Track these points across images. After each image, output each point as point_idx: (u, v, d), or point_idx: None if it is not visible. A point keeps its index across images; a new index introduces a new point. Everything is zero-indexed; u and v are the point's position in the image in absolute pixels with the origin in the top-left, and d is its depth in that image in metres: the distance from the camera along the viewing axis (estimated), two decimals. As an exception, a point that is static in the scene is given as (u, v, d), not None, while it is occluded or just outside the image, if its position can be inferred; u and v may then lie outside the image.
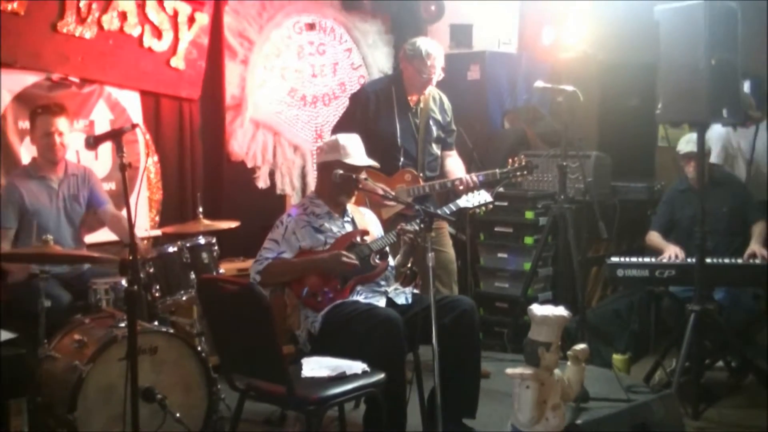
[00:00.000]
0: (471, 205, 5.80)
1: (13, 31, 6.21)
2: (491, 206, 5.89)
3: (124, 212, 6.38)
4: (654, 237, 7.01)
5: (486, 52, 8.69)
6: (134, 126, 4.82)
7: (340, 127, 6.30)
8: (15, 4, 6.17)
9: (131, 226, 4.26)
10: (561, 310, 4.45)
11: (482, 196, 5.83)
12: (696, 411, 5.97)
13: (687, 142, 6.80)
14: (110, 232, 6.43)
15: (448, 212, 5.66)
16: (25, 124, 6.35)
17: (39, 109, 6.07)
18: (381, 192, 5.98)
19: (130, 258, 4.24)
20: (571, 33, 8.75)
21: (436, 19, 8.81)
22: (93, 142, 4.57)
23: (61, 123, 5.99)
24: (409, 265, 5.50)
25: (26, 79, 6.43)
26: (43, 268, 5.18)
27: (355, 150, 5.37)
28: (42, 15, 6.36)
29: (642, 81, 8.38)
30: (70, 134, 6.08)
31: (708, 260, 6.19)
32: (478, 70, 8.60)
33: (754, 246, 6.59)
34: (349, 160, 5.30)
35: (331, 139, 5.54)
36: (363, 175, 5.41)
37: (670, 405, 5.39)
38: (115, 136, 4.44)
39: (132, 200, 4.32)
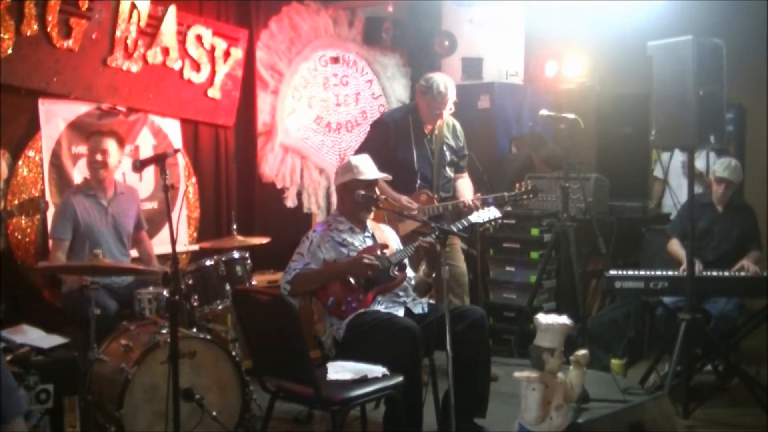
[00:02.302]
0: (482, 221, 5.82)
1: (68, 66, 6.28)
2: (500, 221, 5.91)
3: (164, 234, 6.47)
4: (675, 246, 7.01)
5: (495, 83, 8.71)
6: (176, 151, 4.90)
7: (361, 152, 6.29)
8: (70, 42, 6.23)
9: (173, 241, 4.28)
10: (564, 319, 4.45)
11: (492, 212, 5.85)
12: (686, 410, 5.97)
13: (724, 169, 6.85)
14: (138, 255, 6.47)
15: (460, 227, 5.68)
16: (77, 149, 6.42)
17: (96, 130, 6.16)
18: (405, 203, 6.06)
19: (172, 271, 4.27)
20: (572, 66, 8.79)
21: (449, 53, 8.85)
22: (139, 166, 4.60)
23: (108, 144, 6.02)
24: (434, 275, 5.51)
25: (79, 109, 6.48)
26: (94, 279, 5.23)
27: (366, 167, 5.39)
28: (94, 51, 6.43)
29: (636, 110, 8.41)
30: (115, 157, 6.10)
31: (697, 273, 6.23)
32: (487, 100, 8.61)
33: (744, 261, 6.60)
34: (363, 177, 5.33)
35: (344, 162, 5.57)
36: (383, 196, 5.45)
37: (663, 405, 5.42)
38: (159, 160, 4.48)
39: (173, 218, 4.34)
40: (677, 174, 8.07)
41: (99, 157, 6.00)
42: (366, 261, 5.18)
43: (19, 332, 5.29)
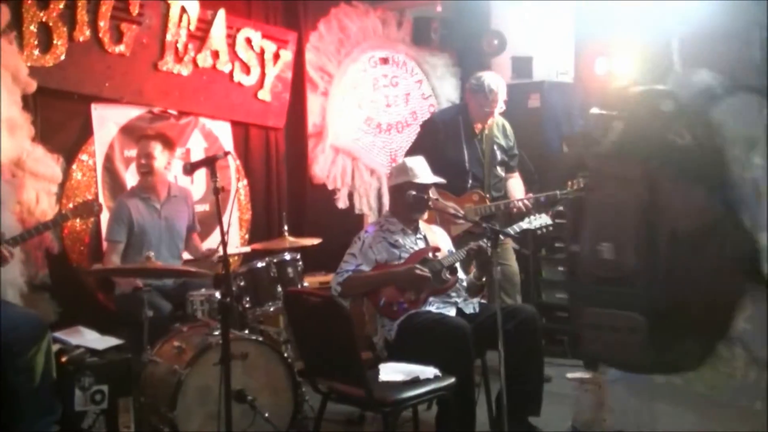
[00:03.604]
0: (533, 227, 5.77)
1: (119, 70, 6.34)
2: (551, 228, 5.86)
3: (215, 236, 6.51)
4: None
5: (545, 82, 8.64)
6: (227, 153, 4.86)
7: (412, 152, 6.29)
8: (121, 47, 6.29)
9: (224, 243, 4.28)
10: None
11: (543, 219, 5.79)
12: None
13: None
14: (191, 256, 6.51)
15: (512, 232, 5.64)
16: (129, 153, 6.48)
17: (144, 134, 6.22)
18: (452, 211, 6.00)
19: (224, 273, 4.28)
20: (622, 64, 8.69)
21: (498, 53, 8.80)
22: (189, 169, 4.62)
23: (153, 147, 6.05)
24: (484, 278, 5.48)
25: (131, 113, 6.54)
26: (147, 281, 5.27)
27: (421, 170, 5.38)
28: (145, 56, 6.49)
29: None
30: (162, 160, 6.13)
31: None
32: (537, 99, 8.54)
33: None
34: (417, 180, 5.32)
35: (399, 164, 5.56)
36: (434, 196, 5.43)
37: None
38: (210, 162, 4.47)
39: (225, 220, 4.35)
40: None
41: (144, 161, 6.05)
42: (418, 273, 5.17)
43: (75, 334, 5.35)
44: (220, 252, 4.31)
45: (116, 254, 5.94)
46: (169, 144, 6.19)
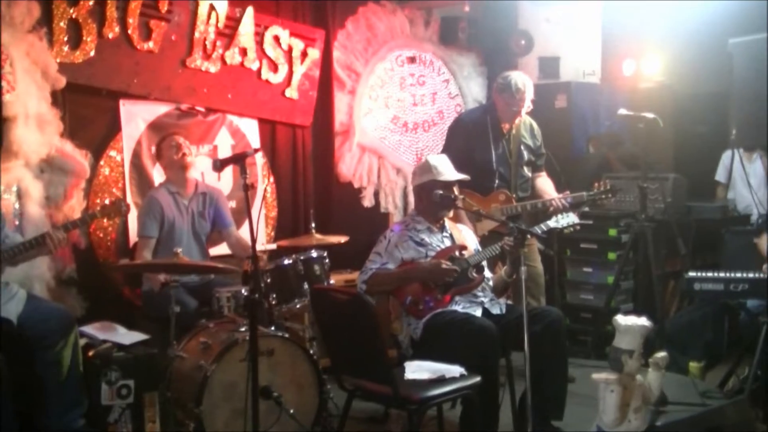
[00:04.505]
0: (559, 226, 5.75)
1: (148, 67, 6.38)
2: (578, 227, 5.85)
3: (242, 233, 6.52)
4: (764, 242, 6.89)
5: (572, 83, 8.63)
6: (256, 150, 4.91)
7: (445, 154, 6.28)
8: (150, 44, 6.33)
9: (253, 240, 4.29)
10: (643, 320, 4.39)
11: (570, 218, 5.76)
12: (767, 415, 5.85)
13: None
14: (231, 251, 6.52)
15: (539, 231, 5.63)
16: (157, 149, 6.51)
17: (165, 135, 6.24)
18: (479, 210, 6.00)
19: (253, 269, 4.28)
20: (650, 65, 8.66)
21: (525, 53, 8.79)
22: (219, 165, 4.58)
23: (184, 141, 6.12)
24: (514, 276, 5.45)
25: (159, 110, 6.56)
26: (174, 277, 5.29)
27: (445, 167, 5.38)
28: (173, 53, 6.51)
29: (713, 109, 8.26)
30: (193, 155, 6.19)
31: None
32: (564, 99, 8.54)
33: None
34: (442, 178, 5.31)
35: (421, 163, 5.55)
36: (461, 196, 5.43)
37: (743, 410, 5.30)
38: (240, 159, 4.48)
39: (253, 216, 4.35)
40: (741, 176, 7.89)
41: (177, 156, 6.07)
42: (444, 267, 5.17)
43: (102, 328, 5.39)
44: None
45: (148, 250, 5.96)
46: (195, 140, 6.21)
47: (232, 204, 6.93)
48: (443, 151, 6.48)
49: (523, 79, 6.35)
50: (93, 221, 5.78)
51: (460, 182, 5.50)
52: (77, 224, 5.25)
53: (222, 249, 6.62)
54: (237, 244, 6.39)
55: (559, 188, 6.70)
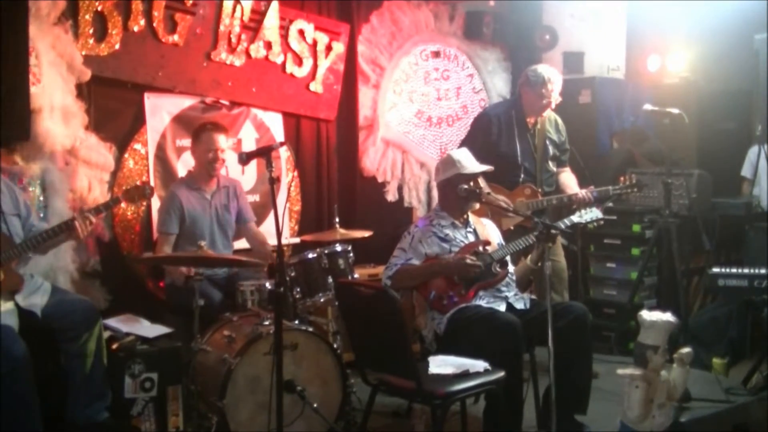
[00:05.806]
0: (584, 221, 5.71)
1: (173, 60, 6.37)
2: (602, 222, 5.81)
3: (266, 226, 6.51)
4: None
5: (596, 78, 8.58)
6: (282, 143, 4.84)
7: (465, 146, 6.27)
8: (175, 37, 6.32)
9: (279, 233, 4.27)
10: (668, 316, 4.38)
11: (594, 213, 5.73)
12: (791, 412, 5.81)
13: None
14: (249, 246, 6.50)
15: (563, 226, 5.59)
16: (181, 142, 6.50)
17: (209, 125, 6.14)
18: (503, 205, 5.97)
19: (278, 262, 4.26)
20: (675, 61, 8.60)
21: (550, 48, 8.75)
22: (245, 158, 4.56)
23: (223, 140, 6.06)
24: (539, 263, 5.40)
25: (183, 103, 6.56)
26: (198, 270, 5.28)
27: (468, 161, 5.36)
28: (198, 46, 6.51)
29: (738, 105, 8.21)
30: (227, 150, 6.19)
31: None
32: (588, 95, 8.49)
33: None
34: (466, 171, 5.30)
35: (444, 158, 5.53)
36: (486, 190, 5.41)
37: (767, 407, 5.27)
38: (265, 152, 4.45)
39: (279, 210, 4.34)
40: (766, 172, 7.83)
41: (220, 155, 6.05)
42: (469, 262, 5.15)
43: (126, 321, 5.40)
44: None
45: (168, 246, 5.95)
46: (227, 132, 6.22)
47: (256, 198, 6.94)
48: (464, 144, 6.47)
49: (553, 73, 6.36)
50: (118, 205, 5.73)
51: (485, 175, 5.49)
52: (104, 208, 5.22)
53: (241, 243, 6.59)
54: (254, 239, 6.39)
55: (583, 183, 6.68)
